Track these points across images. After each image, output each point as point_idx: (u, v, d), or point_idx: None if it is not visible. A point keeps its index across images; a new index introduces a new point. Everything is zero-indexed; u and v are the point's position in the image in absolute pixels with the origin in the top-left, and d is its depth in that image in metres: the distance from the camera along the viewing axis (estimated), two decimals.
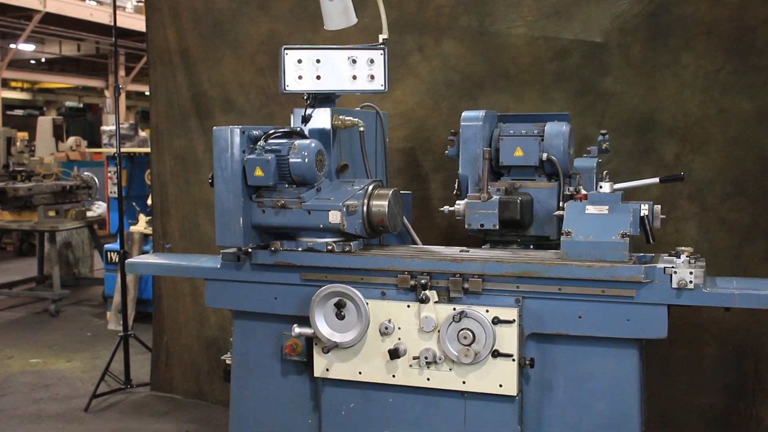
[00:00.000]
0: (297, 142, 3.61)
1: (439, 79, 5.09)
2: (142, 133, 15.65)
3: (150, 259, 4.19)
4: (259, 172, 3.54)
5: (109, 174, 8.78)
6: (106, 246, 8.58)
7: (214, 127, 3.64)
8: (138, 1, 20.73)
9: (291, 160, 3.55)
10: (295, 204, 3.56)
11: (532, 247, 3.87)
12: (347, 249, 3.56)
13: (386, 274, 3.48)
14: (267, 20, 5.43)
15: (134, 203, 8.42)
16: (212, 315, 5.69)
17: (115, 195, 8.66)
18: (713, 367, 4.68)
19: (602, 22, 4.70)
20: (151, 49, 5.83)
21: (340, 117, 4.08)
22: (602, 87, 4.73)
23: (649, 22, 4.64)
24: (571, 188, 3.76)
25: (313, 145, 3.60)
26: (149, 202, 8.23)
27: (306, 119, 3.99)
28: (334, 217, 3.51)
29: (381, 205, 3.59)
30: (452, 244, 4.18)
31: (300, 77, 3.86)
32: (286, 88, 3.87)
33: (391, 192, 3.64)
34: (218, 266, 3.80)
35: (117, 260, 8.10)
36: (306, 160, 3.55)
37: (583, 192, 3.62)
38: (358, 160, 4.17)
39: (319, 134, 3.88)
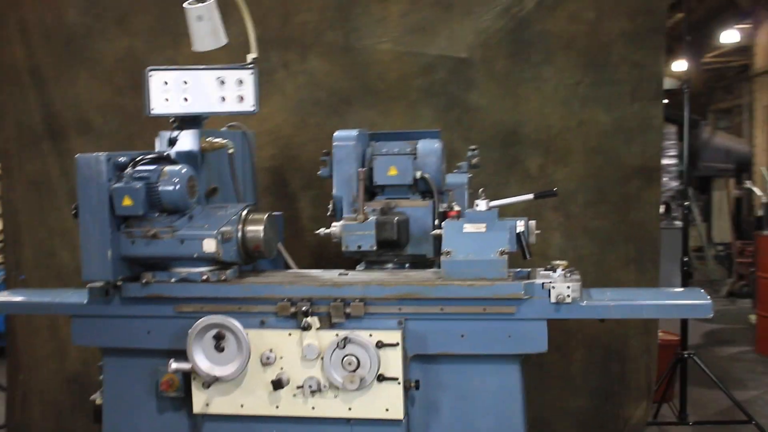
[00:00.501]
0: (167, 168, 3.46)
1: (306, 95, 5.03)
2: None
3: (7, 296, 3.90)
4: (127, 201, 3.37)
5: None
6: None
7: (77, 155, 3.44)
8: None
9: (161, 187, 3.40)
10: (167, 233, 3.40)
11: (407, 266, 3.87)
12: (223, 278, 3.44)
13: (265, 302, 3.38)
14: (125, 37, 5.20)
15: None
16: (73, 349, 5.37)
17: None
18: (582, 371, 4.84)
19: (467, 38, 4.78)
20: None
21: (208, 139, 3.95)
22: (468, 101, 4.82)
23: (512, 37, 4.76)
24: (444, 205, 3.79)
25: (183, 171, 3.45)
26: None
27: (172, 142, 3.85)
28: (209, 245, 3.38)
29: (256, 230, 3.49)
30: (323, 263, 4.14)
31: (166, 99, 3.70)
32: (152, 111, 3.71)
33: (266, 216, 3.54)
34: (85, 301, 3.58)
35: None
36: (177, 187, 3.40)
37: (457, 208, 3.66)
38: (227, 182, 4.04)
39: (187, 157, 3.74)
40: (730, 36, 15.62)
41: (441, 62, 4.81)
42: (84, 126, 5.29)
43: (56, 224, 5.37)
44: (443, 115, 4.82)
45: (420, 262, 3.84)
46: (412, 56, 4.85)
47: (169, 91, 3.71)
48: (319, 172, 4.04)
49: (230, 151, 4.03)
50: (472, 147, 4.13)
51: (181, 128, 3.82)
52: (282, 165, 5.05)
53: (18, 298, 3.88)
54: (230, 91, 3.77)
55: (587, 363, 4.82)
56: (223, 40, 3.79)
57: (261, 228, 3.49)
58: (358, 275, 3.55)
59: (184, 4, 3.72)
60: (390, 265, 3.88)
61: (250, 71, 3.78)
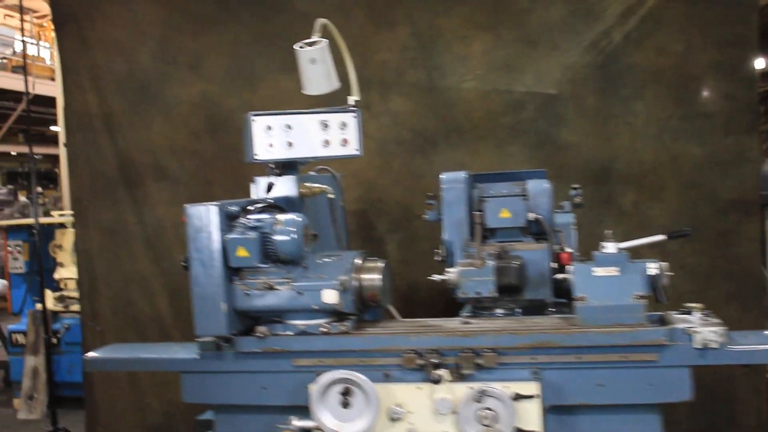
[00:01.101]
0: (280, 217, 3.35)
1: (389, 136, 4.94)
2: (23, 198, 14.70)
3: (111, 353, 3.77)
4: (242, 252, 3.26)
5: (9, 248, 8.10)
6: (9, 327, 7.89)
7: (187, 205, 3.34)
8: (2, 58, 19.61)
9: (276, 237, 3.29)
10: (284, 285, 3.29)
11: (519, 311, 3.73)
12: (343, 330, 3.31)
13: (389, 354, 3.24)
14: (199, 81, 5.14)
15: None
16: (155, 400, 5.26)
17: (17, 271, 8.06)
18: (688, 414, 4.66)
19: (554, 74, 4.69)
20: (69, 115, 5.40)
21: (307, 184, 3.87)
22: (559, 139, 4.71)
23: (600, 72, 4.67)
24: (557, 246, 3.67)
25: (299, 219, 3.35)
26: (56, 276, 7.68)
27: (270, 188, 3.77)
28: (330, 296, 3.25)
29: (373, 279, 3.38)
30: (415, 308, 4.02)
31: (270, 145, 3.60)
32: (255, 157, 3.61)
33: (383, 264, 3.43)
34: (196, 357, 3.45)
35: (23, 342, 7.54)
36: (293, 236, 3.29)
37: (568, 250, 3.54)
38: (323, 227, 3.95)
39: (286, 203, 3.64)
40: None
41: (529, 99, 4.71)
42: (159, 172, 5.21)
43: (133, 273, 5.28)
44: (533, 153, 4.72)
45: (534, 307, 3.70)
46: (499, 94, 4.76)
47: (273, 136, 3.62)
48: (425, 216, 3.93)
49: (330, 196, 3.94)
50: (575, 186, 4.01)
51: (279, 174, 3.73)
52: (367, 208, 4.95)
53: (123, 355, 3.74)
54: (334, 135, 3.67)
55: (692, 405, 4.63)
56: (335, 84, 3.70)
57: (379, 276, 3.38)
58: (483, 323, 3.42)
59: (295, 46, 3.64)
60: (499, 311, 3.75)
61: (353, 114, 3.69)
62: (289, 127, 3.61)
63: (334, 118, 3.67)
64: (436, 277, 3.59)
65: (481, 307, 3.75)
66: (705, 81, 4.63)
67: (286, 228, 3.30)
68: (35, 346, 7.56)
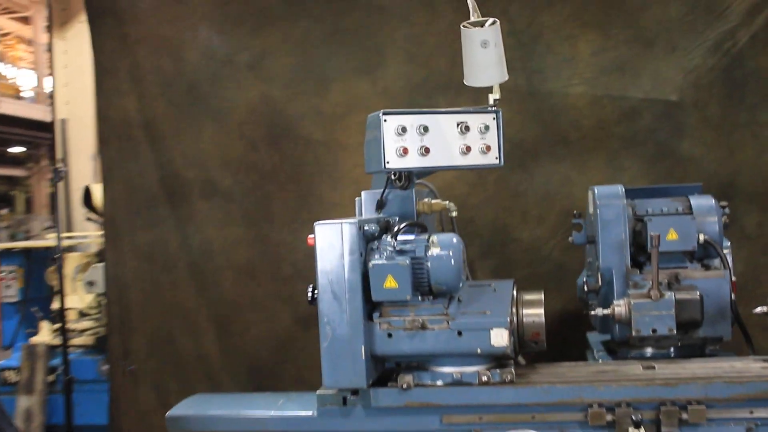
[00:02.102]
0: (434, 237, 2.71)
1: None
2: None
3: (198, 409, 3.04)
4: (391, 283, 2.62)
5: (1, 274, 7.26)
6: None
7: (316, 224, 2.68)
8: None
9: (431, 263, 2.65)
10: (439, 323, 2.64)
11: (672, 351, 3.13)
12: (508, 378, 2.67)
13: (568, 408, 2.61)
14: (258, 83, 4.47)
15: (33, 308, 6.96)
16: None
17: (10, 299, 7.20)
18: None
19: (674, 78, 4.13)
20: (104, 122, 4.68)
21: (426, 200, 3.25)
22: (680, 151, 4.14)
23: (725, 76, 4.12)
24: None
25: (455, 241, 2.72)
26: (54, 306, 6.85)
27: (382, 205, 3.14)
28: (499, 337, 2.61)
29: (536, 314, 2.76)
30: None
31: (404, 151, 2.95)
32: (388, 165, 2.96)
33: (542, 296, 2.82)
34: (313, 413, 2.78)
35: (15, 380, 6.67)
36: (452, 262, 2.65)
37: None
38: None
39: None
40: None
41: (646, 106, 4.14)
42: (209, 187, 4.52)
43: (174, 304, 4.56)
44: (650, 167, 4.14)
45: (688, 346, 3.11)
46: (611, 100, 4.18)
47: (407, 139, 2.97)
48: (570, 239, 3.32)
49: (453, 213, 3.32)
50: (723, 204, 3.44)
51: (406, 187, 3.10)
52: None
53: (215, 412, 3.02)
54: (474, 140, 3.05)
55: None
56: (505, 74, 3.06)
57: (541, 311, 2.77)
58: (668, 368, 2.79)
59: (462, 26, 3.01)
60: (649, 350, 3.15)
61: (494, 115, 3.07)
62: (425, 129, 2.96)
63: (474, 120, 3.05)
64: (599, 311, 2.97)
65: (634, 346, 3.14)
66: None
67: (443, 252, 2.66)
68: (30, 385, 6.71)
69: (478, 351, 2.63)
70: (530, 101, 4.26)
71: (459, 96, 4.30)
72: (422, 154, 2.97)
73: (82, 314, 6.34)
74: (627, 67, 4.17)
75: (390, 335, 2.66)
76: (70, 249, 7.04)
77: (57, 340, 6.61)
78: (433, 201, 3.34)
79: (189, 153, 4.53)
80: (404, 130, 2.96)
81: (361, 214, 3.30)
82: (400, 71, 4.38)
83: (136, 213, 4.60)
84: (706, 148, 4.14)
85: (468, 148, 3.02)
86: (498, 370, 2.68)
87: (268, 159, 4.46)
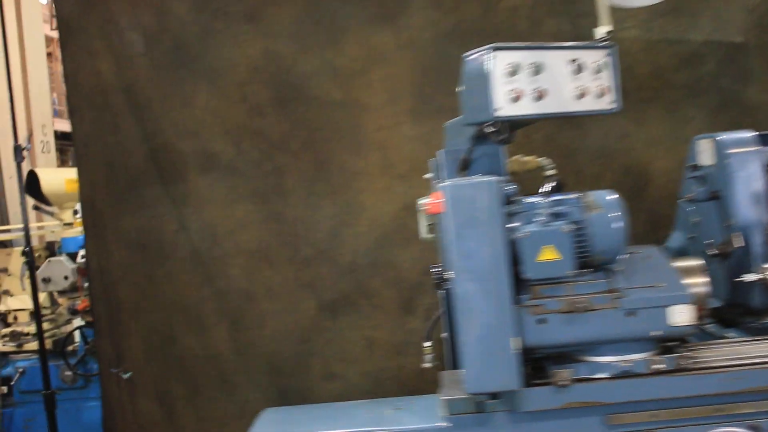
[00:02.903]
0: (590, 195, 2.23)
1: None
2: None
3: (285, 427, 2.47)
4: (550, 255, 2.11)
5: None
6: None
7: (444, 183, 2.12)
8: None
9: (592, 229, 2.16)
10: (604, 302, 2.16)
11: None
12: (682, 365, 2.21)
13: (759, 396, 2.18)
14: (259, 37, 3.82)
15: None
16: None
17: None
18: None
19: (737, 17, 3.73)
20: (73, 90, 3.94)
21: (517, 157, 2.78)
22: (746, 98, 3.76)
23: None
24: None
25: (615, 198, 2.23)
26: (1, 307, 6.04)
27: (467, 164, 2.64)
28: (681, 315, 2.15)
29: (702, 283, 2.32)
30: None
31: (516, 96, 2.42)
32: (497, 113, 2.42)
33: (703, 262, 2.38)
34: (446, 425, 2.26)
35: None
36: (617, 225, 2.17)
37: None
38: None
39: None
40: None
41: (708, 50, 3.73)
42: (208, 161, 3.87)
43: (174, 299, 3.92)
44: (715, 116, 3.75)
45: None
46: (669, 44, 3.75)
47: (518, 81, 2.44)
48: (688, 197, 2.87)
49: (551, 172, 2.83)
50: None
51: (507, 141, 2.59)
52: None
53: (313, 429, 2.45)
54: (587, 82, 2.55)
55: None
56: None
57: (707, 280, 2.33)
58: None
59: None
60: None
61: (608, 52, 2.58)
62: (538, 69, 2.44)
63: (588, 58, 2.54)
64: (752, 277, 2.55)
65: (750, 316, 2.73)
66: None
67: (607, 213, 2.17)
68: None
69: (653, 334, 2.16)
70: None
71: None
72: (536, 99, 2.45)
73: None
74: (684, 8, 3.74)
75: (542, 321, 2.16)
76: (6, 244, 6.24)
77: (9, 347, 5.85)
78: (526, 158, 2.85)
79: (181, 121, 3.86)
80: (515, 71, 2.43)
81: (437, 178, 2.78)
82: (426, 18, 3.82)
83: (121, 195, 3.91)
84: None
85: (583, 92, 2.52)
86: (667, 356, 2.22)
87: (277, 125, 3.84)
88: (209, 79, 3.84)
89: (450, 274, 2.11)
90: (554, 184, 2.34)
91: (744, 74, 3.74)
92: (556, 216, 2.17)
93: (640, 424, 2.21)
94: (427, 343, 3.64)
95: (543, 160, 2.85)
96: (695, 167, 2.86)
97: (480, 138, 2.71)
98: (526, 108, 2.44)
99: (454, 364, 2.67)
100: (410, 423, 2.32)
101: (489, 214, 2.08)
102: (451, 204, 2.09)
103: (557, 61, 2.50)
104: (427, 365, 3.61)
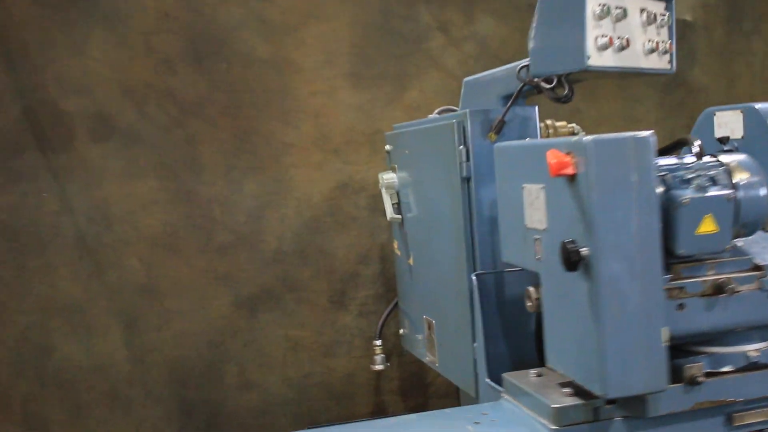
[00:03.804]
0: (729, 159, 1.87)
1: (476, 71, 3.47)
2: None
3: None
4: (708, 227, 1.72)
5: None
6: None
7: (587, 138, 1.68)
8: None
9: (742, 196, 1.80)
10: (749, 282, 1.81)
11: None
12: None
13: None
14: None
15: None
16: None
17: None
18: None
19: None
20: None
21: (551, 122, 2.43)
22: (690, 80, 3.66)
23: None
24: None
25: (755, 161, 1.90)
26: None
27: (501, 126, 2.26)
28: None
29: None
30: None
31: (606, 43, 2.05)
32: (589, 62, 2.02)
33: None
34: None
35: None
36: (764, 192, 1.83)
37: None
38: None
39: None
40: None
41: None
42: (103, 124, 3.12)
43: (54, 297, 3.11)
44: (664, 96, 3.61)
45: None
46: None
47: (604, 26, 2.07)
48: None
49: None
50: None
51: (562, 99, 2.24)
52: None
53: None
54: (654, 36, 2.23)
55: None
56: None
57: None
58: None
59: None
60: None
61: (666, 5, 2.28)
62: (624, 14, 2.08)
63: (656, 8, 2.21)
64: None
65: None
66: None
67: (752, 178, 1.83)
68: None
69: None
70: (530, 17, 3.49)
71: (444, 7, 3.44)
72: (620, 49, 2.09)
73: None
74: None
75: (681, 306, 1.77)
76: None
77: None
78: (558, 123, 2.48)
79: (68, 75, 3.08)
80: (605, 11, 2.04)
81: (463, 143, 2.34)
82: None
83: None
84: (713, 78, 3.70)
85: (653, 47, 2.20)
86: None
87: (191, 84, 3.18)
88: (107, 23, 3.10)
89: (586, 251, 1.66)
90: (697, 147, 1.95)
91: (690, 55, 3.63)
92: (712, 181, 1.79)
93: (764, 422, 1.89)
94: (378, 342, 3.19)
95: (576, 127, 2.50)
96: (725, 139, 2.62)
97: (520, 96, 2.33)
98: (610, 59, 2.07)
99: (490, 372, 2.23)
100: None
101: (643, 177, 1.66)
102: (596, 164, 1.64)
103: (634, 7, 2.15)
104: (378, 367, 3.17)
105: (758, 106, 2.51)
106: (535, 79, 2.25)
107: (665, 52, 2.24)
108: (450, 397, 3.49)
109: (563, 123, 2.50)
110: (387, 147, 2.99)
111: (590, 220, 1.66)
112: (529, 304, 2.04)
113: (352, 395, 3.43)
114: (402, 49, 3.38)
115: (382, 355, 3.17)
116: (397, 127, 2.98)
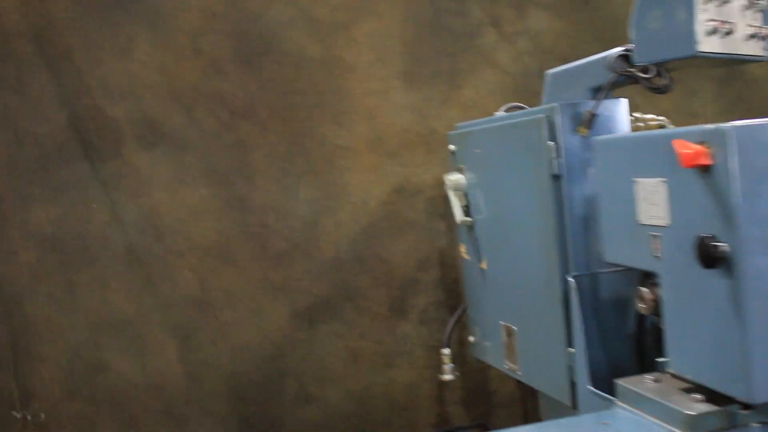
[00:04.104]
0: None
1: (528, 68, 3.36)
2: None
3: None
4: None
5: None
6: None
7: (739, 126, 1.57)
8: None
9: None
10: None
11: None
12: None
13: None
14: None
15: None
16: None
17: None
18: None
19: None
20: None
21: (639, 114, 2.35)
22: (748, 71, 3.54)
23: None
24: None
25: None
26: None
27: (590, 121, 2.15)
28: None
29: None
30: None
31: (714, 28, 1.94)
32: (698, 47, 1.92)
33: None
34: None
35: None
36: None
37: None
38: None
39: None
40: None
41: None
42: (151, 130, 3.00)
43: (103, 312, 2.98)
44: (722, 89, 3.50)
45: None
46: None
47: (710, 11, 1.96)
48: None
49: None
50: None
51: (658, 89, 2.14)
52: None
53: None
54: (752, 21, 2.12)
55: None
56: None
57: None
58: None
59: None
60: None
61: None
62: None
63: None
64: None
65: None
66: None
67: None
68: None
69: None
70: (584, 9, 3.39)
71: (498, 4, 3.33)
72: (726, 34, 1.98)
73: None
74: None
75: None
76: None
77: None
78: (648, 116, 2.38)
79: (113, 79, 2.95)
80: None
81: (553, 138, 2.22)
82: None
83: (30, 176, 2.91)
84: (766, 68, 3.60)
85: (755, 31, 2.09)
86: None
87: (241, 87, 3.06)
88: (152, 24, 2.98)
89: (727, 247, 1.54)
90: None
91: None
92: None
93: None
94: (446, 351, 3.07)
95: (665, 120, 2.40)
96: None
97: (614, 85, 2.22)
98: (716, 45, 1.97)
99: (591, 379, 2.11)
100: None
101: None
102: (739, 153, 1.53)
103: None
104: (447, 377, 3.04)
105: None
106: (630, 69, 2.14)
107: (763, 38, 2.13)
108: (515, 406, 3.38)
109: (652, 116, 2.40)
110: (451, 147, 2.86)
111: (731, 214, 1.54)
112: (642, 306, 1.93)
113: (414, 407, 3.30)
114: (454, 45, 3.26)
115: (451, 365, 3.04)
116: (462, 126, 2.86)
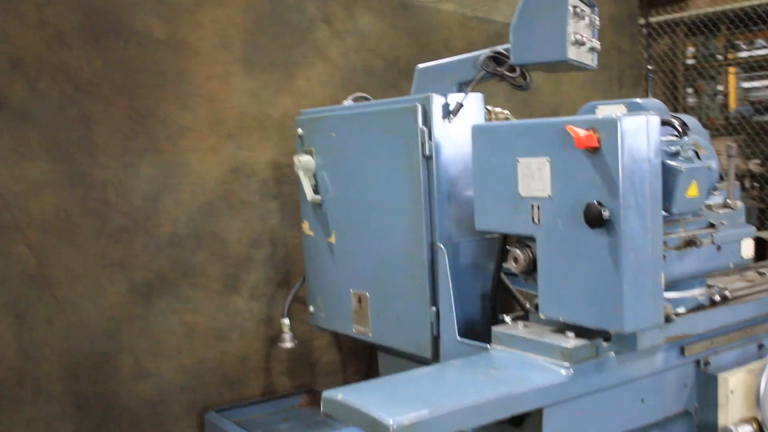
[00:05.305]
0: (693, 138, 2.24)
1: (357, 64, 3.65)
2: None
3: (379, 404, 1.88)
4: (693, 191, 2.08)
5: None
6: None
7: (619, 115, 1.97)
8: None
9: (711, 163, 2.20)
10: (705, 238, 2.20)
11: None
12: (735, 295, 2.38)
13: None
14: None
15: None
16: None
17: None
18: None
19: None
20: None
21: (490, 108, 2.76)
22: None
23: None
24: None
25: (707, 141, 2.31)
26: None
27: (456, 110, 2.54)
28: (748, 248, 2.30)
29: None
30: None
31: (577, 39, 2.37)
32: (568, 54, 2.34)
33: None
34: (567, 374, 2.06)
35: None
36: (715, 164, 2.24)
37: None
38: None
39: None
40: None
41: (506, 31, 4.00)
42: None
43: None
44: (511, 95, 4.02)
45: None
46: (479, 22, 3.93)
47: (573, 23, 2.37)
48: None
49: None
50: None
51: (520, 86, 2.55)
52: None
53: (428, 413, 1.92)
54: (583, 32, 2.57)
55: None
56: None
57: None
58: None
59: None
60: None
61: (592, 10, 2.65)
62: (581, 15, 2.41)
63: (587, 11, 2.56)
64: None
65: None
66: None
67: (709, 155, 2.22)
68: None
69: (731, 266, 2.28)
70: (403, 15, 3.75)
71: (330, 2, 3.59)
72: (580, 45, 2.42)
73: None
74: None
75: (664, 258, 2.12)
76: None
77: None
78: (498, 109, 2.78)
79: None
80: (576, 13, 2.36)
81: (426, 124, 2.55)
82: None
83: None
84: (543, 79, 4.20)
85: (580, 41, 2.51)
86: (717, 287, 2.37)
87: (86, 61, 3.03)
88: None
89: (609, 212, 1.94)
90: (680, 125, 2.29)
91: None
92: (696, 155, 2.15)
93: (703, 353, 2.31)
94: (286, 321, 3.27)
95: (508, 114, 2.81)
96: None
97: (480, 81, 2.58)
98: (574, 53, 2.40)
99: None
100: (534, 379, 2.03)
101: (653, 149, 1.98)
102: (621, 138, 1.93)
103: (584, 10, 2.48)
104: (288, 345, 3.25)
105: (641, 101, 2.98)
106: (499, 69, 2.51)
107: (594, 50, 2.60)
108: (335, 374, 3.65)
109: (500, 109, 2.80)
110: (299, 131, 3.08)
111: (615, 185, 1.95)
112: (514, 265, 2.29)
113: (244, 378, 3.45)
114: (291, 38, 3.47)
115: (291, 334, 3.24)
116: (309, 112, 3.08)
